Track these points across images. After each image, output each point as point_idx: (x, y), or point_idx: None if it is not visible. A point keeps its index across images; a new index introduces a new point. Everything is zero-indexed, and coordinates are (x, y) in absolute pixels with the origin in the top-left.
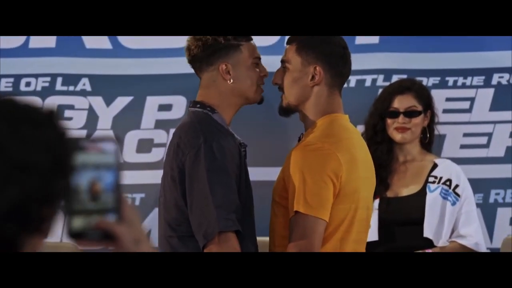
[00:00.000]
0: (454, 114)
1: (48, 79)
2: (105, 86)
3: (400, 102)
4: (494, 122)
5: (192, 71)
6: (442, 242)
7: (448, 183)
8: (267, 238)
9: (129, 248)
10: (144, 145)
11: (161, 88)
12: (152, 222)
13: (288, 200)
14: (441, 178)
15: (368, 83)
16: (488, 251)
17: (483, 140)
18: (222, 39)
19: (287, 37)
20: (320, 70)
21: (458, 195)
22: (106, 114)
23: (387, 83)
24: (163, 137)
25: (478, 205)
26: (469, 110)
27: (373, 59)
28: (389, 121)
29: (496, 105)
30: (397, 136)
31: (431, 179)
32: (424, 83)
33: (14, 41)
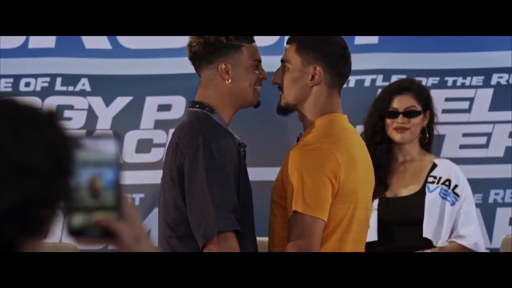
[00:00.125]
0: (454, 114)
1: (48, 79)
2: (105, 86)
3: (399, 102)
4: (494, 122)
5: (191, 71)
6: (441, 242)
7: (447, 183)
8: (266, 239)
9: (129, 246)
10: (144, 145)
11: (160, 88)
12: (151, 222)
13: (286, 200)
14: (440, 178)
15: (367, 83)
16: (488, 251)
17: (482, 140)
18: (224, 39)
19: (287, 37)
20: (320, 70)
21: (458, 195)
22: (106, 114)
23: (386, 83)
24: (163, 137)
25: (477, 205)
26: (468, 110)
27: (373, 59)
28: (388, 121)
29: (495, 105)
30: (396, 136)
31: (430, 179)
32: (424, 83)
33: (13, 42)
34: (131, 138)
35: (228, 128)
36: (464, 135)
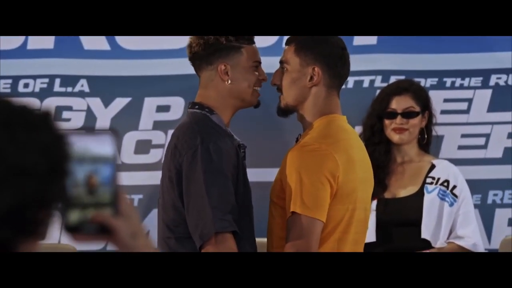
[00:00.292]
0: (452, 115)
1: (46, 80)
2: (103, 87)
3: (398, 103)
4: (492, 123)
5: (190, 72)
6: (439, 243)
7: (445, 184)
8: (265, 239)
9: (126, 242)
10: (142, 146)
11: (159, 89)
12: (150, 223)
13: (285, 201)
14: (438, 179)
15: (366, 84)
16: (486, 252)
17: (481, 141)
18: (223, 40)
19: (285, 38)
20: (318, 70)
21: (456, 196)
22: (104, 115)
23: (385, 84)
24: (161, 138)
25: (476, 206)
26: (467, 111)
27: (371, 60)
28: (386, 122)
29: (494, 106)
30: (394, 137)
31: (428, 180)
32: (422, 84)
33: (12, 43)
34: (130, 139)
35: (228, 129)
36: (463, 136)
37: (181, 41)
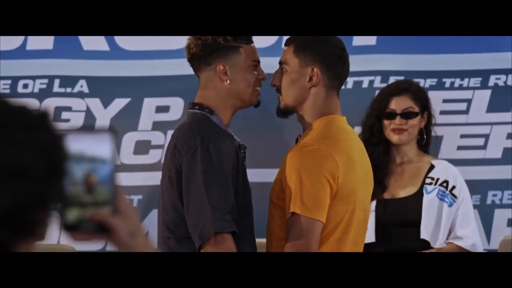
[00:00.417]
0: (451, 115)
1: (46, 81)
2: (103, 87)
3: (397, 104)
4: (491, 124)
5: (189, 72)
6: (439, 243)
7: (445, 184)
8: (265, 240)
9: (124, 241)
10: (142, 147)
11: (158, 90)
12: (150, 223)
13: (285, 201)
14: (438, 179)
15: (365, 85)
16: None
17: (480, 141)
18: (221, 40)
19: (284, 39)
20: (317, 71)
21: (455, 197)
22: (104, 115)
23: (384, 85)
24: (161, 138)
25: (475, 206)
26: (466, 112)
27: (370, 60)
28: (386, 122)
29: (493, 107)
30: (393, 138)
31: (428, 180)
32: (421, 84)
33: (11, 43)
34: (129, 139)
35: (228, 129)
36: (462, 136)
37: (180, 42)
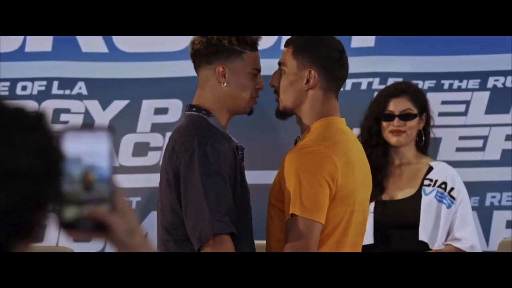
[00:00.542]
0: (450, 117)
1: (44, 83)
2: (101, 89)
3: (395, 105)
4: (490, 125)
5: (188, 74)
6: (437, 245)
7: (443, 186)
8: (264, 242)
9: (122, 239)
10: (140, 149)
11: (157, 92)
12: (148, 226)
13: (284, 202)
14: (436, 181)
15: (363, 86)
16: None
17: (478, 143)
18: (226, 42)
19: (284, 40)
20: (314, 74)
21: (454, 198)
22: (102, 117)
23: (382, 86)
24: (159, 140)
25: (474, 208)
26: (464, 113)
27: (369, 62)
28: (384, 124)
29: (491, 108)
30: (392, 139)
31: (426, 182)
32: (420, 86)
33: (10, 45)
34: (128, 141)
35: (226, 131)
36: (461, 138)
37: (179, 44)
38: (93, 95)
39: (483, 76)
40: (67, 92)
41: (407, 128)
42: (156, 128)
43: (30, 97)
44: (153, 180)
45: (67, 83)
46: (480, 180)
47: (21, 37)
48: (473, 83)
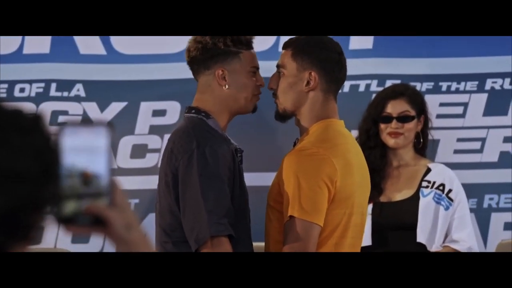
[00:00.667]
0: (448, 119)
1: (42, 85)
2: (99, 91)
3: (393, 107)
4: (488, 127)
5: (186, 76)
6: (435, 247)
7: (441, 187)
8: (263, 243)
9: (120, 234)
10: (138, 151)
11: (155, 94)
12: (147, 227)
13: (283, 204)
14: (434, 182)
15: (361, 88)
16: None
17: (476, 145)
18: (222, 45)
19: (282, 42)
20: (315, 75)
21: (451, 200)
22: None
23: (380, 88)
24: (157, 142)
25: (472, 210)
26: (462, 115)
27: (367, 64)
28: (382, 126)
29: (489, 110)
30: (390, 141)
31: (424, 183)
32: (418, 88)
33: (8, 47)
34: (126, 143)
35: (225, 133)
36: (459, 140)
37: (178, 46)
38: (91, 97)
39: (481, 78)
40: (65, 94)
41: (405, 130)
42: (154, 130)
43: (28, 99)
44: (151, 182)
45: (65, 85)
46: (478, 182)
47: (19, 39)
48: (471, 85)
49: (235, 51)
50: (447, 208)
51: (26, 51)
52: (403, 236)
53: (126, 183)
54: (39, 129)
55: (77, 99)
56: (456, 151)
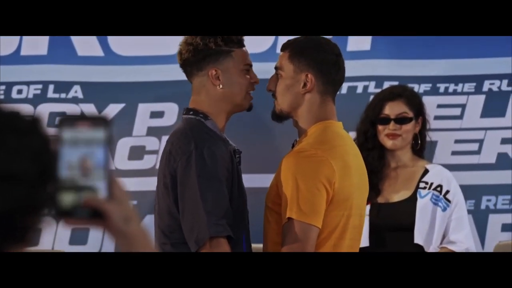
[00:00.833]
0: (446, 120)
1: (40, 86)
2: (97, 93)
3: (391, 109)
4: (485, 129)
5: (183, 78)
6: (432, 248)
7: (439, 188)
8: (261, 245)
9: (118, 226)
10: (136, 152)
11: (153, 95)
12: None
13: (281, 206)
14: (432, 183)
15: (359, 90)
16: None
17: (474, 146)
18: (213, 45)
19: (280, 44)
20: (311, 77)
21: (449, 201)
22: None
23: (378, 90)
24: (155, 144)
25: (469, 211)
26: (460, 117)
27: (365, 65)
28: (380, 127)
29: (487, 112)
30: (388, 143)
31: (422, 184)
32: (416, 89)
33: (5, 48)
34: (124, 145)
35: (223, 134)
36: (456, 141)
37: (175, 47)
38: (89, 98)
39: (478, 79)
40: (63, 95)
41: (402, 131)
42: (152, 131)
43: (25, 100)
44: (149, 184)
45: (63, 86)
46: (475, 184)
47: (17, 41)
48: (469, 86)
49: (227, 50)
50: (444, 209)
51: (23, 52)
52: (400, 237)
53: (124, 184)
54: (36, 131)
55: (75, 100)
56: (454, 153)
